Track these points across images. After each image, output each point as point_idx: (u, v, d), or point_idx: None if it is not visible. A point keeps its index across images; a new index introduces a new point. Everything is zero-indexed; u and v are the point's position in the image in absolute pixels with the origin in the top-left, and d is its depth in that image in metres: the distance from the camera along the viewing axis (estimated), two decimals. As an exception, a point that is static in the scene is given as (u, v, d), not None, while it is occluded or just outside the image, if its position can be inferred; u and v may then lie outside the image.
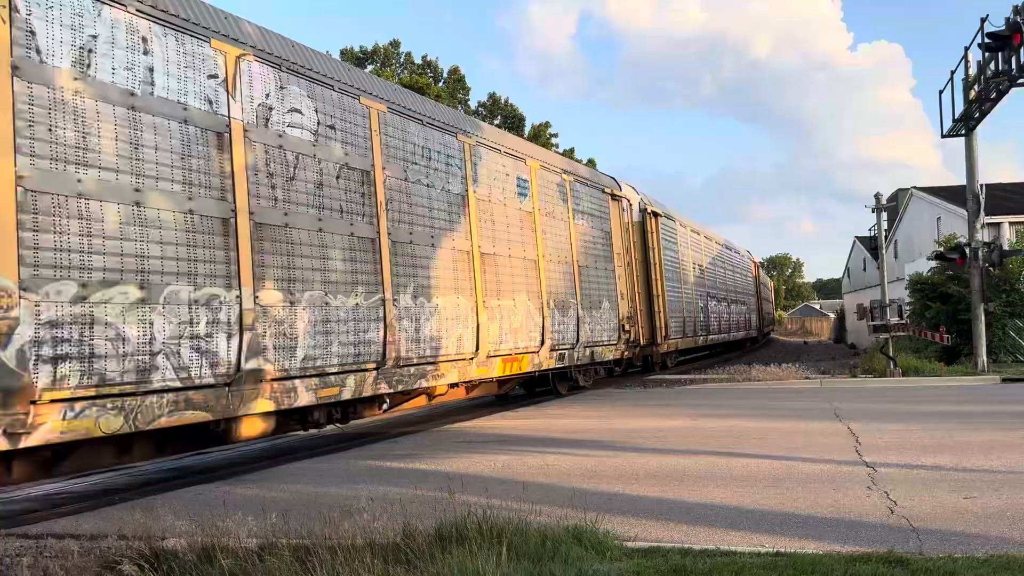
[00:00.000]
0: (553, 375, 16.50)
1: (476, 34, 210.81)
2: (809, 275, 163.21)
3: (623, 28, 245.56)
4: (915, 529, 5.79)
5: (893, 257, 39.80)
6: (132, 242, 7.33)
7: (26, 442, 6.41)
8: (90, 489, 9.33)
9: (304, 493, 7.79)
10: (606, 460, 9.03)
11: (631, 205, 20.85)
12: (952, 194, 31.27)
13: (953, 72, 20.80)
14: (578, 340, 16.23)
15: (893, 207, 36.88)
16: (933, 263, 24.71)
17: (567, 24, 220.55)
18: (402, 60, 53.57)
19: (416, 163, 11.70)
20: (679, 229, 25.92)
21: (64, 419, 6.65)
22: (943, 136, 21.51)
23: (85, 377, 6.83)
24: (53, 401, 6.58)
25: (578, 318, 16.28)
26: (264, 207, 8.81)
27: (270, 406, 8.79)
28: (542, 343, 14.75)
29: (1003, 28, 17.80)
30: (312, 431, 12.23)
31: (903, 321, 22.36)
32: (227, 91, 8.51)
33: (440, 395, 13.37)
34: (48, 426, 6.53)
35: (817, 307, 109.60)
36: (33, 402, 6.40)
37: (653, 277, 21.54)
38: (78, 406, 6.77)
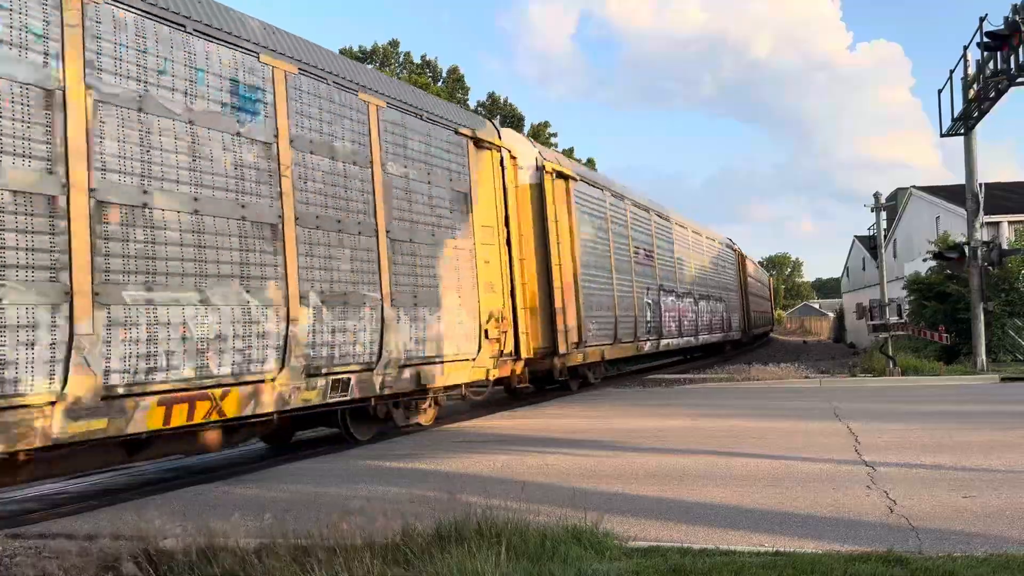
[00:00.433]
0: (340, 414, 10.79)
1: (476, 34, 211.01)
2: (808, 275, 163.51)
3: (623, 28, 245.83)
4: (914, 528, 5.79)
5: (892, 256, 39.82)
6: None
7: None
8: (89, 489, 9.32)
9: (304, 493, 7.77)
10: (605, 460, 9.03)
11: (516, 160, 15.15)
12: (951, 193, 31.28)
13: (952, 71, 20.82)
14: (380, 357, 10.56)
15: (892, 206, 36.94)
16: (932, 262, 24.71)
17: (567, 24, 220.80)
18: (401, 60, 53.56)
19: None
20: (611, 202, 20.13)
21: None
22: (942, 135, 21.52)
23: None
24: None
25: (382, 321, 10.62)
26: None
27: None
28: (283, 365, 9.04)
29: (1002, 27, 17.81)
30: (312, 433, 12.23)
31: (902, 320, 22.35)
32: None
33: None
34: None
35: (816, 306, 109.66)
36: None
37: (554, 262, 16.06)
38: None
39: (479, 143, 13.44)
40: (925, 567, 4.78)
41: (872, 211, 25.04)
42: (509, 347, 13.82)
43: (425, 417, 12.46)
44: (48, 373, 6.76)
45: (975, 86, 19.76)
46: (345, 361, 10.03)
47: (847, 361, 26.27)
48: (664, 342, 23.43)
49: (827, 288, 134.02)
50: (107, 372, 7.21)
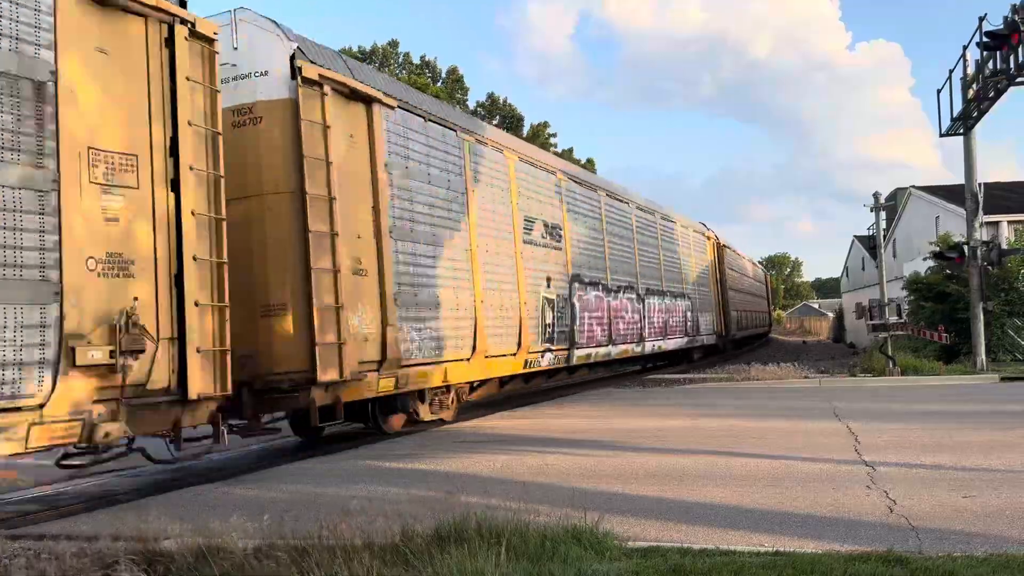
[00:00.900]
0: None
1: (475, 34, 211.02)
2: (808, 274, 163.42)
3: (622, 28, 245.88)
4: (914, 528, 5.78)
5: (892, 256, 39.81)
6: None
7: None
8: (88, 490, 9.31)
9: (303, 494, 7.77)
10: (605, 460, 9.02)
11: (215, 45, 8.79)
12: (951, 193, 31.28)
13: (952, 71, 20.81)
14: None
15: (892, 206, 36.93)
16: (932, 262, 24.72)
17: (566, 24, 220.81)
18: (400, 60, 53.57)
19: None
20: (473, 147, 13.78)
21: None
22: (942, 135, 21.52)
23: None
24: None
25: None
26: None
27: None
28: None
29: (1001, 27, 17.81)
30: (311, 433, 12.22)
31: (902, 320, 22.35)
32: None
33: None
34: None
35: (816, 306, 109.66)
36: None
37: (317, 227, 9.92)
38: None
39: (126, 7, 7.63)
40: (925, 567, 4.77)
41: (872, 211, 25.03)
42: (163, 377, 7.69)
43: None
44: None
45: (974, 86, 19.76)
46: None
47: (847, 361, 26.26)
48: (581, 352, 17.16)
49: (827, 288, 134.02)
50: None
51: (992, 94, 19.34)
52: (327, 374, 9.73)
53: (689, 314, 26.31)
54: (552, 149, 51.40)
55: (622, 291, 20.06)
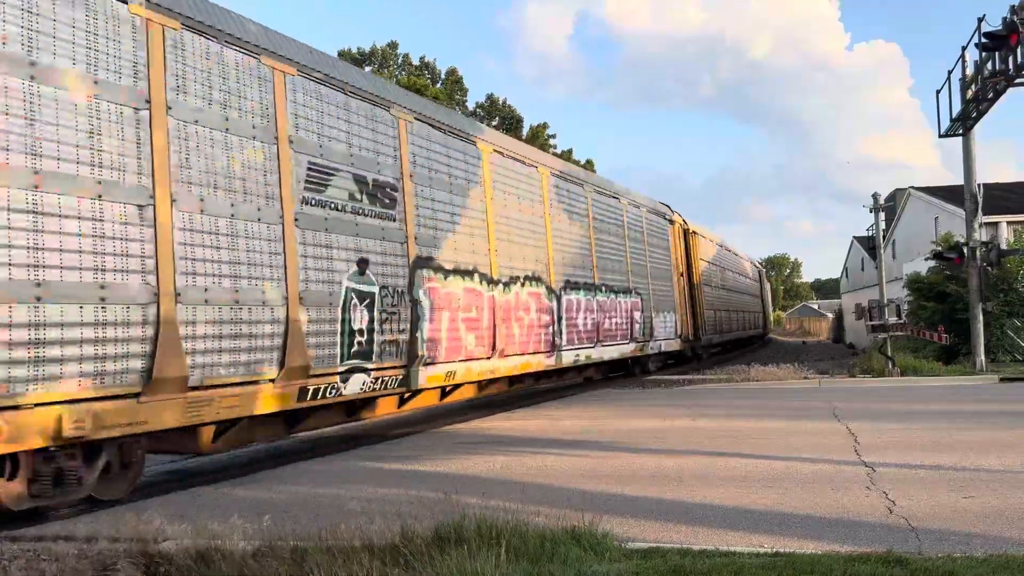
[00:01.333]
0: None
1: (474, 34, 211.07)
2: (807, 275, 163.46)
3: (621, 28, 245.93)
4: (914, 529, 5.78)
5: (891, 257, 39.85)
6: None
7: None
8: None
9: (302, 495, 7.76)
10: (605, 461, 9.02)
11: None
12: (950, 194, 31.31)
13: (950, 72, 20.83)
14: None
15: (891, 207, 36.96)
16: (931, 263, 24.73)
17: (565, 24, 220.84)
18: (400, 61, 53.61)
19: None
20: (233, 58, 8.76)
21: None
22: (941, 136, 21.54)
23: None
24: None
25: None
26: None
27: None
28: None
29: (1000, 28, 17.82)
30: (310, 433, 12.22)
31: (901, 321, 22.37)
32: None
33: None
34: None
35: (815, 307, 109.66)
36: None
37: None
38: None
39: None
40: (925, 568, 4.77)
41: (871, 212, 25.06)
42: None
43: None
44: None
45: (973, 87, 19.78)
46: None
47: (846, 361, 26.27)
48: (435, 370, 11.87)
49: (826, 289, 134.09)
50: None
51: (991, 95, 19.35)
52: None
53: (638, 314, 20.47)
54: (551, 150, 51.44)
55: (520, 283, 14.47)
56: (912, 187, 38.74)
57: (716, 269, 32.05)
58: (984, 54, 18.90)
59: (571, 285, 16.67)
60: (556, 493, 7.21)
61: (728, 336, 33.70)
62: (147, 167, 7.65)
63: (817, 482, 7.45)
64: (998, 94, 19.23)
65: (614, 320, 18.96)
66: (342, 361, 9.98)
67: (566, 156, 51.98)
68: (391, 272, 11.16)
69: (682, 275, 25.40)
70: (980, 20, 18.57)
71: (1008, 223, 29.98)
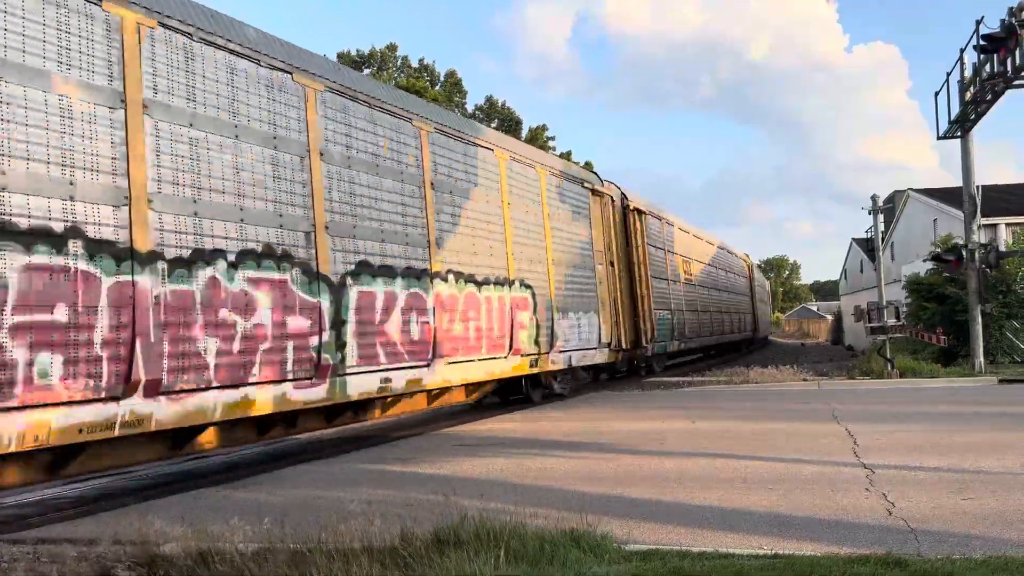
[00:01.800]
0: None
1: (473, 36, 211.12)
2: (807, 277, 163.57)
3: (620, 30, 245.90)
4: (913, 530, 5.79)
5: (890, 259, 39.88)
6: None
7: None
8: (87, 493, 9.31)
9: (302, 497, 7.77)
10: (604, 463, 9.03)
11: None
12: (948, 195, 31.34)
13: (949, 74, 20.87)
14: None
15: (890, 209, 36.98)
16: (930, 264, 24.75)
17: (564, 26, 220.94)
18: (399, 64, 53.66)
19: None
20: None
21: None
22: (939, 138, 21.57)
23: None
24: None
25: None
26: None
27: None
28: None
29: (998, 30, 17.86)
30: (308, 434, 12.23)
31: (900, 323, 22.38)
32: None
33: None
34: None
35: (814, 309, 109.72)
36: None
37: None
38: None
39: None
40: (924, 569, 4.78)
41: (870, 213, 25.08)
42: None
43: None
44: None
45: (972, 89, 19.81)
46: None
47: (845, 363, 26.28)
48: (145, 407, 7.37)
49: (825, 290, 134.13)
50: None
51: (989, 97, 19.37)
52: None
53: (526, 315, 14.62)
54: (550, 152, 51.49)
55: (244, 264, 8.70)
56: (911, 189, 38.77)
57: (678, 259, 26.44)
58: (982, 56, 18.93)
59: (373, 270, 10.76)
60: (555, 495, 7.21)
61: (701, 341, 28.33)
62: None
63: (816, 484, 7.45)
64: (996, 96, 19.26)
65: (473, 323, 12.90)
66: None
67: (565, 157, 52.04)
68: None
69: (613, 264, 19.28)
70: (978, 22, 18.62)
71: (1007, 225, 29.98)
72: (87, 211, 7.14)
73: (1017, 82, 18.29)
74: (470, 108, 53.64)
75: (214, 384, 8.13)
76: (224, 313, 8.38)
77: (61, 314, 6.80)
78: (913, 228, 37.25)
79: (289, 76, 9.70)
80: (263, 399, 8.71)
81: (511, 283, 14.29)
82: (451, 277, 12.49)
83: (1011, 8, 17.54)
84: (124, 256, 7.36)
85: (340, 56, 51.62)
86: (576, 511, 5.96)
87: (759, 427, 11.58)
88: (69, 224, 6.97)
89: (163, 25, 8.10)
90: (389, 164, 11.39)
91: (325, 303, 9.74)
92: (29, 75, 6.87)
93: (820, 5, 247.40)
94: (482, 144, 13.99)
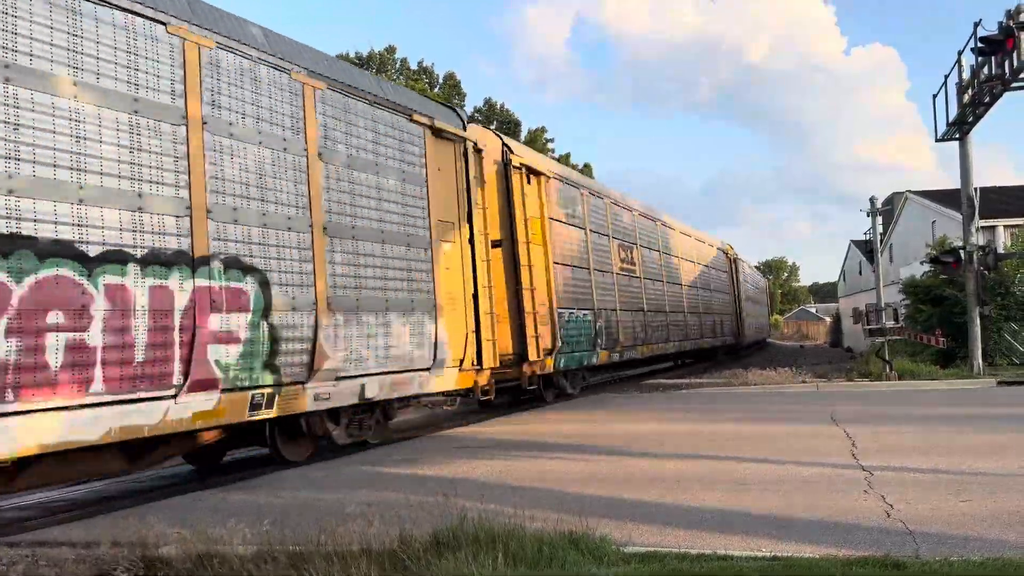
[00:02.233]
0: None
1: (472, 38, 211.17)
2: (805, 278, 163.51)
3: (618, 32, 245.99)
4: (911, 532, 5.80)
5: (888, 261, 39.91)
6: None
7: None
8: (85, 496, 9.30)
9: (301, 499, 7.77)
10: (603, 464, 9.03)
11: None
12: (947, 197, 31.39)
13: (947, 77, 20.90)
14: None
15: (889, 211, 37.01)
16: (929, 266, 24.77)
17: (563, 28, 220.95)
18: (398, 66, 53.69)
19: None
20: None
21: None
22: (937, 140, 21.59)
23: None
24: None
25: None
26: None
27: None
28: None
29: (996, 32, 17.89)
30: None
31: (899, 325, 22.39)
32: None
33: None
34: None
35: (813, 311, 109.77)
36: None
37: None
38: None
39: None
40: (922, 571, 4.79)
41: (868, 215, 25.11)
42: None
43: None
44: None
45: (970, 91, 19.83)
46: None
47: (844, 365, 26.30)
48: None
49: (824, 292, 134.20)
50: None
51: (987, 99, 19.40)
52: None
53: (237, 320, 8.77)
54: (549, 154, 51.53)
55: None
56: (909, 191, 38.82)
57: (613, 244, 20.58)
58: (980, 59, 18.96)
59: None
60: (554, 497, 7.21)
61: (649, 350, 22.30)
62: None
63: (815, 485, 7.46)
64: (994, 98, 19.29)
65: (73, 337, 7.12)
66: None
67: (564, 160, 52.08)
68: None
69: (474, 243, 13.35)
70: (976, 25, 18.66)
71: (1005, 227, 30.04)
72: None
73: (1015, 84, 18.32)
74: (469, 110, 53.68)
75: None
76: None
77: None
78: (912, 230, 37.29)
79: None
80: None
81: (197, 263, 8.33)
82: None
83: (1009, 11, 17.57)
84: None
85: (339, 58, 51.62)
86: (575, 513, 5.96)
87: (758, 429, 11.59)
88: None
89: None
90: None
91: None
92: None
93: (818, 7, 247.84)
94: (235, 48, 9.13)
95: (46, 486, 9.10)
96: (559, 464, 9.17)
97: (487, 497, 7.10)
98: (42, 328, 6.87)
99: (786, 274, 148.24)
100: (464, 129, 13.59)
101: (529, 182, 15.87)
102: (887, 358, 20.76)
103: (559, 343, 16.00)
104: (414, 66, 54.06)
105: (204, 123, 8.71)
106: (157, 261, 7.94)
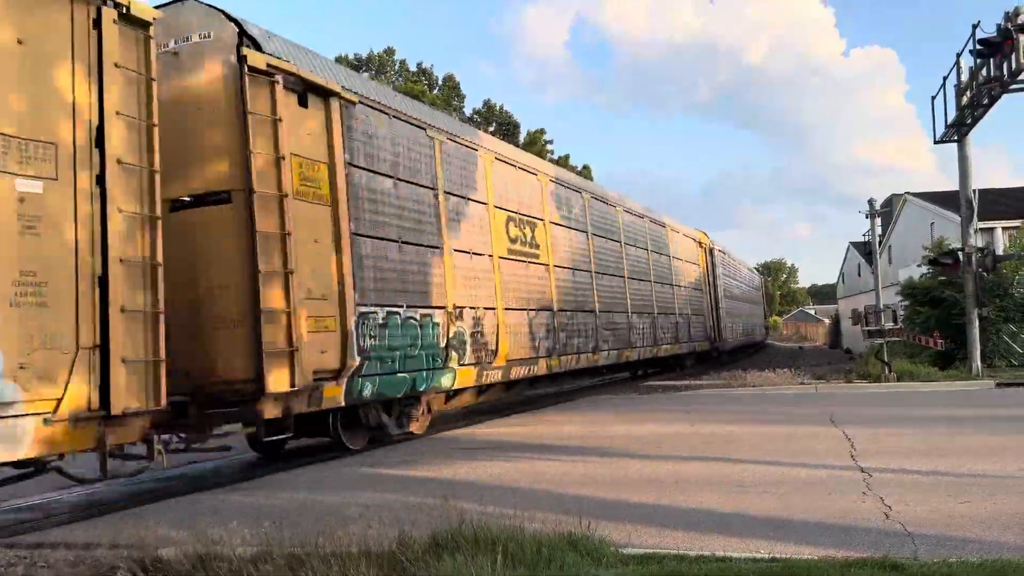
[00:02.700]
0: None
1: (471, 40, 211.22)
2: (804, 280, 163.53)
3: (619, 34, 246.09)
4: (910, 534, 5.80)
5: (887, 262, 39.93)
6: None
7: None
8: (85, 498, 9.30)
9: (300, 501, 7.77)
10: (602, 466, 9.03)
11: None
12: (945, 199, 31.39)
13: (945, 78, 20.91)
14: None
15: (887, 212, 37.05)
16: (927, 268, 24.79)
17: (562, 30, 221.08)
18: (397, 68, 53.70)
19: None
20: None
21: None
22: (936, 142, 21.59)
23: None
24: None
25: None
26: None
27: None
28: None
29: (995, 34, 17.92)
30: (312, 439, 12.21)
31: (898, 326, 22.40)
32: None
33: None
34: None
35: (812, 312, 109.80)
36: None
37: None
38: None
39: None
40: (921, 573, 4.79)
41: (867, 217, 25.13)
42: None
43: None
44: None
45: (968, 93, 19.85)
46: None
47: (843, 367, 26.32)
48: None
49: (823, 294, 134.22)
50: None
51: (986, 101, 19.42)
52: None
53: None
54: (548, 156, 51.54)
55: None
56: (908, 192, 38.85)
57: (497, 214, 14.91)
58: (979, 60, 18.98)
59: None
60: (553, 498, 7.21)
61: (559, 363, 16.69)
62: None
63: (814, 487, 7.46)
64: (993, 100, 19.31)
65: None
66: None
67: (563, 161, 52.12)
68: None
69: (100, 180, 7.29)
70: (975, 27, 18.68)
71: (1003, 228, 30.05)
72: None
73: (1013, 86, 18.34)
74: (468, 112, 53.71)
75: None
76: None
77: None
78: (910, 231, 37.33)
79: None
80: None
81: None
82: None
83: (1007, 12, 17.59)
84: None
85: (338, 59, 51.65)
86: (574, 515, 5.96)
87: (757, 430, 11.59)
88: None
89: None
90: None
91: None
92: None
93: (817, 9, 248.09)
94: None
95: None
96: (558, 465, 9.17)
97: (486, 498, 7.10)
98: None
99: (785, 275, 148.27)
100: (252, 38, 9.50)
101: (304, 104, 10.21)
102: (886, 359, 20.77)
103: (355, 359, 10.38)
104: (413, 68, 54.11)
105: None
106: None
